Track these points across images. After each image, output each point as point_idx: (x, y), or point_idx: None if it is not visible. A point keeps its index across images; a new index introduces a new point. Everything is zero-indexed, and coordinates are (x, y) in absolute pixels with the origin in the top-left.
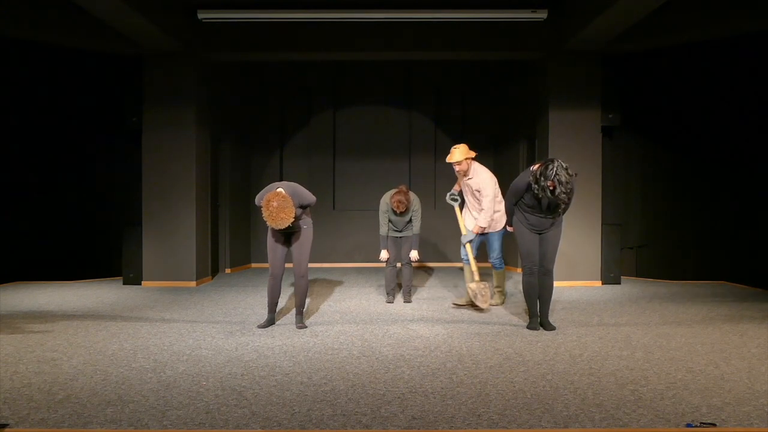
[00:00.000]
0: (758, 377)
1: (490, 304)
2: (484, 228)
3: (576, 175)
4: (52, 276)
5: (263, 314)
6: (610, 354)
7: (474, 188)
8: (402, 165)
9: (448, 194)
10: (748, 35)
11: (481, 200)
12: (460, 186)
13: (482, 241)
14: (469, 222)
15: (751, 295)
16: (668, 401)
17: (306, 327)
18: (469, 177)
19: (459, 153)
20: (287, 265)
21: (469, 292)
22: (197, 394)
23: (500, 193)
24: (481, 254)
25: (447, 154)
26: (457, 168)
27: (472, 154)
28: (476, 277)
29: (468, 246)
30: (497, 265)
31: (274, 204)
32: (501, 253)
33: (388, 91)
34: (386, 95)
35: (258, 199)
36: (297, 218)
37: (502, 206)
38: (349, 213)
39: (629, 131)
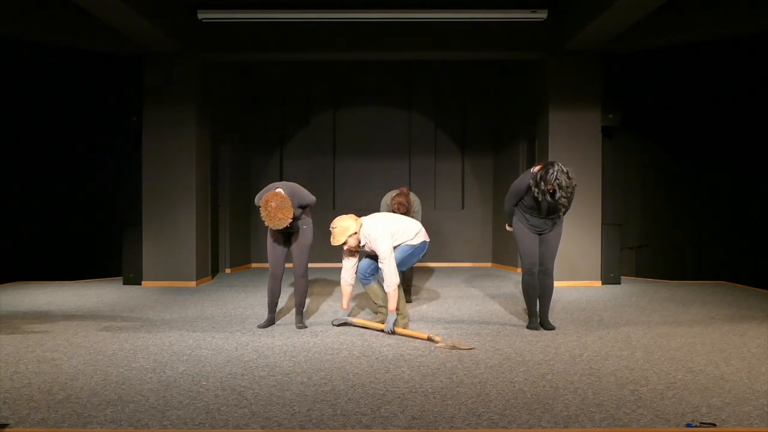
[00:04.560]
0: (758, 377)
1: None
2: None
3: (576, 185)
4: (52, 276)
5: (263, 314)
6: (610, 354)
7: (370, 249)
8: (402, 165)
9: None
10: (748, 35)
11: (381, 262)
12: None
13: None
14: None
15: (751, 295)
16: (668, 401)
17: (306, 327)
18: (363, 245)
19: (338, 233)
20: (287, 265)
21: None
22: (197, 394)
23: (403, 231)
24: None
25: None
26: (345, 247)
27: (355, 225)
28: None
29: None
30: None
31: (273, 204)
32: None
33: (388, 91)
34: (386, 95)
35: (257, 199)
36: (296, 218)
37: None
38: (349, 213)
39: (629, 131)
